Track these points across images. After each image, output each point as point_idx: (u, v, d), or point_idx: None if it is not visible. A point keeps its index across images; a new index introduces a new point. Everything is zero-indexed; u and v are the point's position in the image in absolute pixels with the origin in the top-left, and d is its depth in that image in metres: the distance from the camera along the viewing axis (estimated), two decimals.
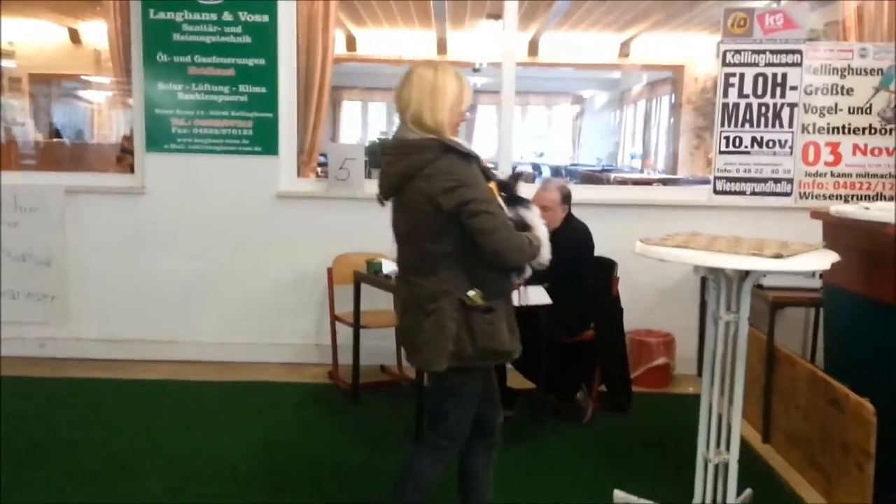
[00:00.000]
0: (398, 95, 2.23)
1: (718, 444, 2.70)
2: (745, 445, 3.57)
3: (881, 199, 4.47)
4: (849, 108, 4.52)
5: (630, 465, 3.38)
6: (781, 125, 4.52)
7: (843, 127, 4.53)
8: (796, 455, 3.32)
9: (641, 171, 10.44)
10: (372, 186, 4.70)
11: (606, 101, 18.34)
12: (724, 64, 4.57)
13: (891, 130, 4.50)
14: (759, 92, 4.52)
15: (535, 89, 17.25)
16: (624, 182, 8.69)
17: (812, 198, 4.55)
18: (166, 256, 4.64)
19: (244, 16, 4.43)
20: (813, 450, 3.15)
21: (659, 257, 2.55)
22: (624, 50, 11.64)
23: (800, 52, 4.48)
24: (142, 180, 4.62)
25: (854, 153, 4.54)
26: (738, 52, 4.54)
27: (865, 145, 4.53)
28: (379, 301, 4.20)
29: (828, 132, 4.55)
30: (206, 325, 4.72)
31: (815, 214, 3.31)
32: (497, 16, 9.85)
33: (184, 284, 4.66)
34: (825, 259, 2.40)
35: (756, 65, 4.52)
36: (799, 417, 3.29)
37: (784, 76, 4.49)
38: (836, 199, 4.54)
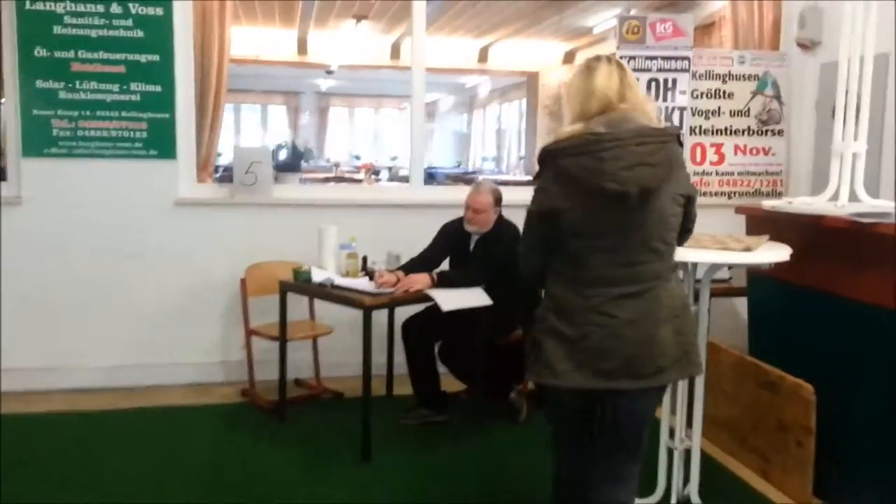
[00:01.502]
0: (617, 83, 2.00)
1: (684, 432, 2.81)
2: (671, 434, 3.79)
3: (760, 196, 4.87)
4: (730, 112, 4.88)
5: None
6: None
7: (726, 129, 4.89)
8: (724, 438, 3.52)
9: (501, 174, 10.74)
10: (281, 191, 4.57)
11: (452, 105, 18.74)
12: None
13: (766, 132, 4.90)
14: (653, 96, 4.77)
15: (387, 93, 17.35)
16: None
17: (701, 195, 4.85)
18: (49, 275, 4.17)
19: (136, 8, 4.08)
20: (744, 432, 3.36)
21: None
22: (482, 56, 11.96)
23: (688, 58, 4.77)
24: (17, 189, 4.12)
25: (735, 153, 4.90)
26: (632, 58, 4.75)
27: (745, 146, 4.91)
28: (294, 312, 4.03)
29: (712, 134, 4.88)
30: (96, 349, 4.28)
31: (741, 209, 3.52)
32: (363, 16, 9.79)
33: (71, 305, 4.22)
34: (784, 252, 2.57)
35: (649, 70, 4.76)
36: (726, 402, 3.50)
37: (674, 81, 4.77)
38: (721, 195, 4.89)
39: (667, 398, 2.82)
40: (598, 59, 2.06)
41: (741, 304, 3.99)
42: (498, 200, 3.85)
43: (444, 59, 11.95)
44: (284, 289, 3.79)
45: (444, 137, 18.91)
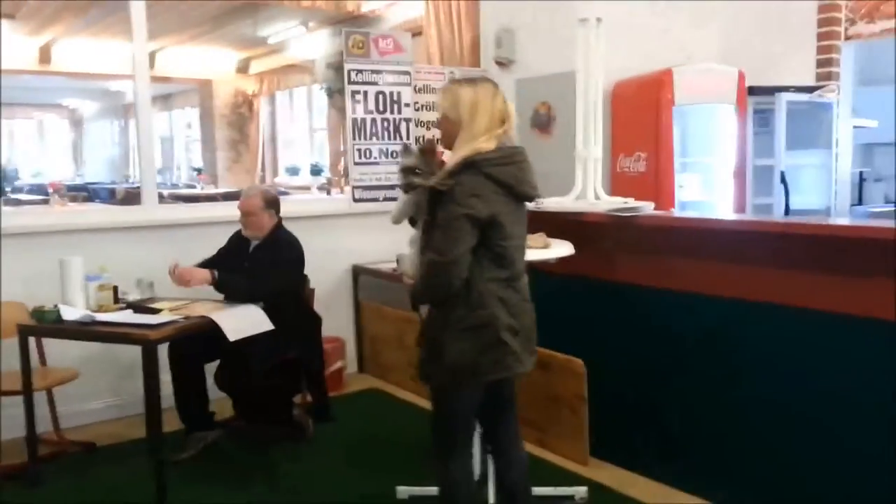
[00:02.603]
0: (506, 106, 2.24)
1: None
2: None
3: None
4: None
5: (381, 462, 3.54)
6: (400, 137, 5.09)
7: None
8: None
9: (194, 187, 10.20)
10: None
11: (98, 112, 17.16)
12: (350, 82, 4.93)
13: None
14: (381, 108, 5.02)
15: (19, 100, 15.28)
16: (189, 198, 8.40)
17: None
18: None
19: None
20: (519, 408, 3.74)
21: None
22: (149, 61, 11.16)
23: (408, 73, 5.11)
24: None
25: None
26: (360, 71, 4.94)
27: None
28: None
29: (436, 143, 5.28)
30: None
31: None
32: (11, 15, 8.56)
33: None
34: (569, 247, 2.96)
35: (376, 83, 4.99)
36: None
37: (399, 94, 5.07)
38: None
39: None
40: (494, 83, 2.30)
41: None
42: (269, 203, 3.75)
43: (103, 63, 10.98)
44: (26, 333, 3.25)
45: (96, 149, 17.22)
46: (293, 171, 10.61)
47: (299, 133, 11.46)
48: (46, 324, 3.23)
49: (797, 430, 2.79)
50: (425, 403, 4.29)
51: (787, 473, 2.83)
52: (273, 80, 11.35)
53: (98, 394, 4.11)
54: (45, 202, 5.46)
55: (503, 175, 2.18)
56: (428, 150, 2.43)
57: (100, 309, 3.37)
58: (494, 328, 2.21)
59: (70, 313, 3.23)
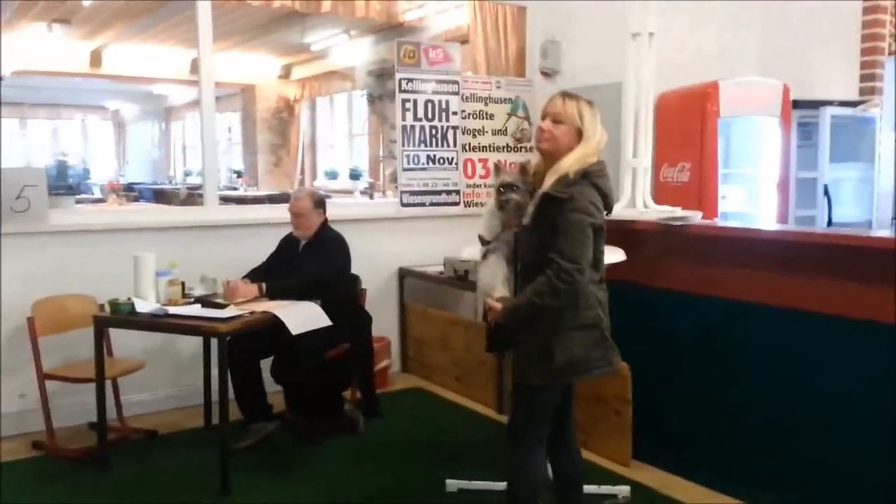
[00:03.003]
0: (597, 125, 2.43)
1: None
2: (485, 420, 4.20)
3: None
4: (492, 131, 5.47)
5: (429, 457, 3.67)
6: (448, 145, 5.24)
7: (490, 146, 5.46)
8: None
9: (237, 189, 10.44)
10: (59, 217, 4.03)
11: (139, 114, 17.57)
12: (401, 91, 5.08)
13: (521, 148, 5.58)
14: (430, 116, 5.17)
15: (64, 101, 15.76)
16: (233, 199, 8.61)
17: (473, 205, 5.37)
18: None
19: None
20: None
21: None
22: (194, 66, 11.46)
23: (457, 82, 5.25)
24: None
25: None
26: (410, 80, 5.10)
27: (506, 161, 5.52)
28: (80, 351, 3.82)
29: (479, 150, 5.42)
30: None
31: None
32: (66, 20, 8.86)
33: None
34: (620, 253, 3.08)
35: (426, 92, 5.15)
36: None
37: (447, 102, 5.22)
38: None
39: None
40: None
41: None
42: (317, 203, 3.93)
43: (149, 67, 11.32)
44: (101, 324, 3.45)
45: (137, 150, 17.62)
46: (332, 175, 10.80)
47: (338, 138, 11.66)
48: (121, 315, 3.41)
49: (839, 438, 2.88)
50: (468, 403, 4.48)
51: (828, 476, 2.91)
52: (314, 86, 11.57)
53: (158, 385, 4.30)
54: (100, 201, 5.66)
55: (605, 186, 2.41)
56: (525, 169, 2.58)
57: (169, 303, 3.55)
58: (600, 327, 2.43)
59: (143, 306, 3.42)
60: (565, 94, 2.49)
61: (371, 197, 6.94)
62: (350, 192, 8.05)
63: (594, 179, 2.38)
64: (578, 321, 2.39)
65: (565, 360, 2.38)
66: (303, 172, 11.91)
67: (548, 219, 2.35)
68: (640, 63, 3.50)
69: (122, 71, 11.11)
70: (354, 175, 9.93)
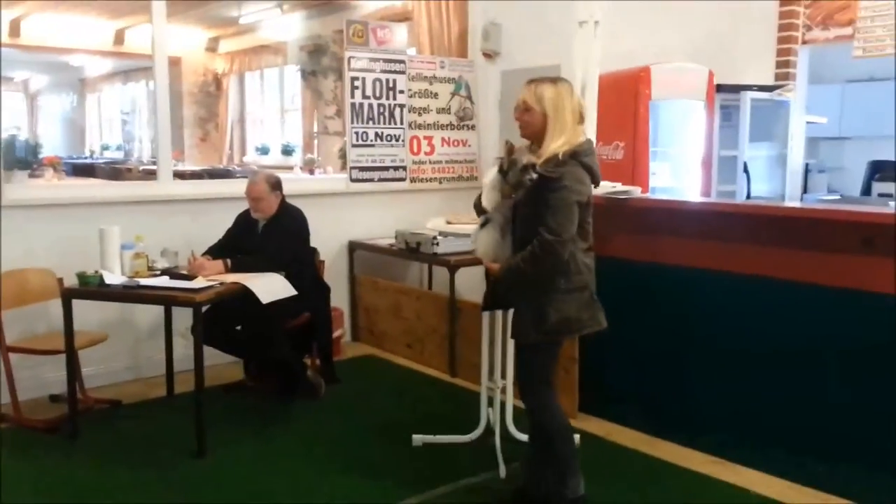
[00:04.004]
0: (581, 103, 2.64)
1: (496, 375, 3.46)
2: (439, 381, 4.45)
3: (462, 180, 5.78)
4: (436, 109, 5.67)
5: (390, 417, 3.90)
6: (395, 122, 5.43)
7: (434, 123, 5.67)
8: None
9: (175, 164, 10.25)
10: (12, 191, 4.01)
11: (48, 85, 16.89)
12: (350, 69, 5.22)
13: (464, 126, 5.81)
14: (377, 94, 5.34)
15: None
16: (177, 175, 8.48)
17: (419, 181, 5.59)
18: None
19: None
20: None
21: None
22: (118, 38, 11.18)
23: (403, 61, 5.43)
24: None
25: (442, 145, 5.72)
26: (358, 59, 5.25)
27: (449, 138, 5.75)
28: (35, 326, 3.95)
29: (424, 128, 5.62)
30: None
31: None
32: None
33: None
34: None
35: (373, 71, 5.31)
36: None
37: (394, 81, 5.39)
38: (433, 181, 5.67)
39: (486, 350, 3.46)
40: (567, 80, 2.72)
41: None
42: (274, 186, 4.08)
43: (70, 38, 10.96)
44: (70, 296, 3.51)
45: (48, 123, 16.94)
46: (264, 151, 10.78)
47: (269, 113, 11.60)
48: (89, 287, 3.48)
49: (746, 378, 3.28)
50: (421, 368, 4.72)
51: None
52: (243, 60, 11.44)
53: (116, 357, 4.36)
54: (36, 176, 5.57)
55: (592, 163, 2.64)
56: (511, 149, 2.71)
57: (135, 275, 3.64)
58: (589, 290, 2.70)
59: (111, 278, 3.50)
60: (531, 81, 2.71)
61: (311, 172, 7.04)
62: (290, 168, 8.10)
63: (581, 158, 2.60)
64: (569, 285, 2.64)
65: (558, 319, 2.64)
66: (231, 147, 11.80)
67: (539, 195, 2.59)
68: (586, 49, 3.77)
69: (40, 41, 10.71)
70: (287, 151, 9.95)
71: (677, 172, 5.16)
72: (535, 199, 2.61)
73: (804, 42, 5.93)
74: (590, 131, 3.91)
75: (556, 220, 2.55)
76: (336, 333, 4.93)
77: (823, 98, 6.96)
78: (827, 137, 7.47)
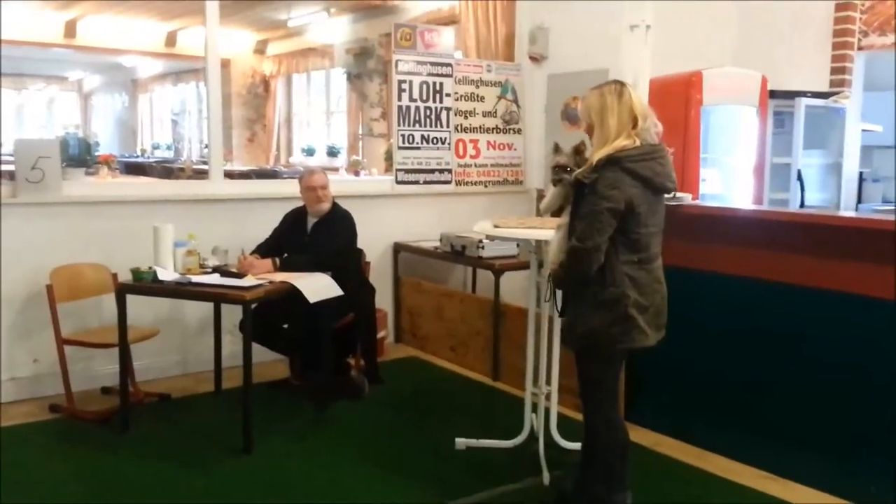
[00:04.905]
0: (639, 105, 2.52)
1: (541, 381, 3.44)
2: (482, 386, 4.44)
3: (507, 184, 5.77)
4: (482, 113, 5.67)
5: (433, 419, 3.90)
6: (441, 125, 5.44)
7: (480, 127, 5.66)
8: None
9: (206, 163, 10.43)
10: (70, 188, 4.12)
11: (101, 85, 17.31)
12: (397, 72, 5.25)
13: (509, 130, 5.80)
14: (424, 97, 5.35)
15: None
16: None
17: (464, 184, 5.59)
18: None
19: None
20: (569, 378, 4.10)
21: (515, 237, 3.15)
22: (169, 40, 11.41)
23: (451, 65, 5.44)
24: None
25: (488, 148, 5.71)
26: (406, 62, 5.27)
27: (495, 142, 5.74)
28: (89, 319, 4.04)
29: (470, 131, 5.62)
30: None
31: None
32: None
33: None
34: None
35: (420, 74, 5.32)
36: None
37: (441, 84, 5.41)
38: (479, 184, 5.67)
39: (531, 355, 3.44)
40: (620, 83, 2.61)
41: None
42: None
43: (123, 39, 11.23)
44: (124, 291, 3.59)
45: (101, 122, 17.38)
46: (309, 152, 10.90)
47: (315, 115, 11.72)
48: (143, 283, 3.55)
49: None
50: (463, 371, 4.71)
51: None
52: (291, 63, 11.59)
53: (166, 352, 4.44)
54: (92, 174, 5.71)
55: (642, 170, 2.48)
56: (579, 150, 2.72)
57: (187, 272, 3.71)
58: (624, 304, 2.53)
59: (165, 275, 3.57)
60: (588, 93, 2.66)
61: (357, 174, 7.08)
62: (335, 170, 8.17)
63: (625, 164, 2.46)
64: (601, 296, 2.54)
65: (584, 331, 2.60)
66: (278, 149, 11.96)
67: (576, 201, 2.58)
68: (636, 53, 3.73)
69: (95, 42, 11.00)
70: (332, 152, 10.04)
71: (727, 179, 5.08)
72: (575, 204, 2.60)
73: (860, 48, 5.80)
74: None
75: (583, 227, 2.50)
76: (380, 335, 4.95)
77: (878, 106, 6.77)
78: (881, 146, 7.27)
